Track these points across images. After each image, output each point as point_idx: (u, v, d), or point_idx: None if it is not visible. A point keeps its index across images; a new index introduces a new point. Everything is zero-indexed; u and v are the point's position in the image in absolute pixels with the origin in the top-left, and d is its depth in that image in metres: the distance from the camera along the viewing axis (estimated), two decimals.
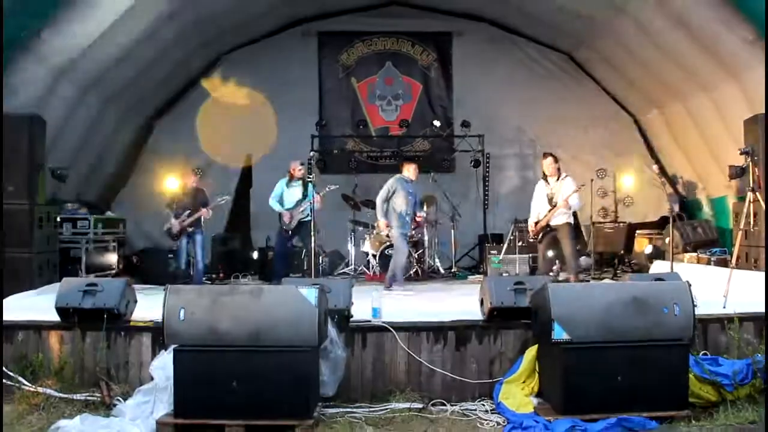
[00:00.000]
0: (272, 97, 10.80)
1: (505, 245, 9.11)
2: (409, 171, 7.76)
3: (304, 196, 8.20)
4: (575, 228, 7.53)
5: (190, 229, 7.98)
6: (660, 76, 9.10)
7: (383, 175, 11.07)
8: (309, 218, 7.93)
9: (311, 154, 9.97)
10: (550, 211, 7.22)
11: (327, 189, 8.37)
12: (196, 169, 8.17)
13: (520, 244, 8.98)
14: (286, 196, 8.39)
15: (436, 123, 11.00)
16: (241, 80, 10.78)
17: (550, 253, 7.44)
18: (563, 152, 10.46)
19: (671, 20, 7.77)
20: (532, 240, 7.74)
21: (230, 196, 8.47)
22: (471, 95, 11.17)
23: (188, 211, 7.95)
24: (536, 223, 7.39)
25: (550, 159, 7.33)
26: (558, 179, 7.27)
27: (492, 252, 9.26)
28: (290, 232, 8.31)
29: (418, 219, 8.29)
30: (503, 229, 10.26)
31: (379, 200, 7.66)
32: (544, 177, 7.43)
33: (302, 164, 8.44)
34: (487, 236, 10.26)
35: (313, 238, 7.35)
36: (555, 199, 7.22)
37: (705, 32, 7.48)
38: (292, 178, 8.38)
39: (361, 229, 9.95)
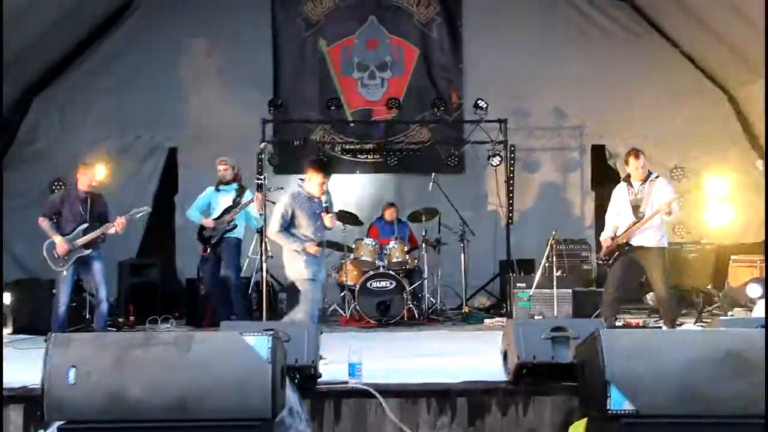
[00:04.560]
0: (207, 65, 10.83)
1: (538, 275, 9.08)
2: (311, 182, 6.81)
3: (236, 203, 8.46)
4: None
5: (86, 252, 7.74)
6: None
7: (364, 177, 11.25)
8: (235, 236, 8.30)
9: (262, 145, 9.96)
10: (635, 224, 7.30)
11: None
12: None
13: (559, 273, 8.95)
14: (216, 207, 8.68)
15: (439, 104, 11.00)
16: (164, 41, 10.80)
17: (621, 284, 7.44)
18: (621, 144, 10.57)
19: None
20: (600, 261, 7.77)
21: (149, 207, 8.38)
22: (489, 64, 11.21)
23: (84, 226, 7.73)
24: (612, 239, 7.46)
25: (641, 158, 7.40)
26: (646, 181, 7.38)
27: (519, 285, 9.23)
28: (209, 249, 8.50)
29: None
30: (535, 252, 10.23)
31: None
32: (627, 179, 7.57)
33: (224, 161, 8.71)
34: (511, 263, 10.23)
35: (263, 264, 7.31)
36: (642, 207, 7.31)
37: None
38: (220, 182, 8.71)
39: (333, 252, 9.87)
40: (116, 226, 7.66)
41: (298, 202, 6.66)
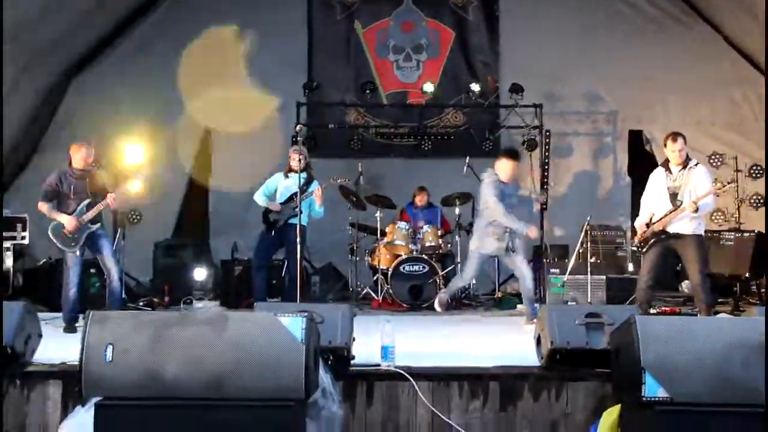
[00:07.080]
0: (242, 48, 10.89)
1: (572, 261, 9.05)
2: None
3: (302, 190, 8.19)
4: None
5: (94, 228, 7.46)
6: None
7: (399, 160, 11.22)
8: (299, 222, 8.06)
9: (297, 128, 9.90)
10: (672, 211, 7.18)
11: (331, 181, 8.65)
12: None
13: (593, 260, 8.91)
14: (282, 193, 8.67)
15: (475, 87, 10.95)
16: (198, 24, 10.86)
17: (656, 271, 7.37)
18: (658, 130, 10.48)
19: None
20: (635, 248, 7.68)
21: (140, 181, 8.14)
22: (525, 47, 11.18)
23: (87, 201, 7.43)
24: (648, 225, 7.36)
25: (680, 141, 7.27)
26: (685, 168, 7.24)
27: (553, 271, 9.22)
28: (273, 232, 8.56)
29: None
30: (569, 238, 10.20)
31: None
32: (665, 164, 7.41)
33: (299, 152, 8.24)
34: (545, 248, 10.19)
35: (298, 247, 7.34)
36: (680, 195, 7.19)
37: None
38: (289, 171, 8.63)
39: (366, 236, 9.90)
40: (110, 201, 7.37)
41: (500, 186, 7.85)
